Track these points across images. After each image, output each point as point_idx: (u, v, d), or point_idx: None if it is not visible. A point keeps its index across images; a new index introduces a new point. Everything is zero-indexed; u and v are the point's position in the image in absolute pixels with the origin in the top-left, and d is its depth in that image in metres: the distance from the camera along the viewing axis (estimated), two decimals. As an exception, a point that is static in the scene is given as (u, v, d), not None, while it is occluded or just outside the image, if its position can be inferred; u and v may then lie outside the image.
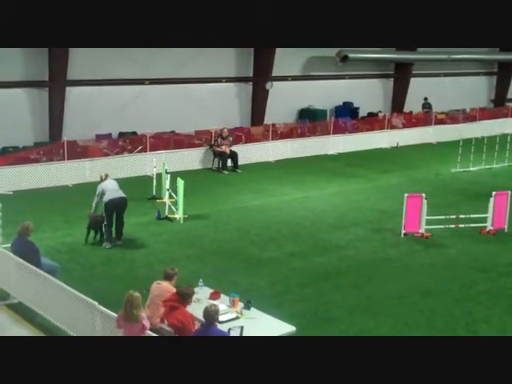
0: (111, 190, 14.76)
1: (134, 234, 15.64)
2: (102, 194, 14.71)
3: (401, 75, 32.87)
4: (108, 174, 15.37)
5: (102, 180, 15.09)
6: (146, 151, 22.23)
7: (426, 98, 32.54)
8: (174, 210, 17.14)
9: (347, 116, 29.78)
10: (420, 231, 16.11)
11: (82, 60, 22.57)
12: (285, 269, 13.88)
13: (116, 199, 14.72)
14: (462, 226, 16.56)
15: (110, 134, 23.93)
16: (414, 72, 33.00)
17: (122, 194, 14.91)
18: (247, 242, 15.50)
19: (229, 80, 27.20)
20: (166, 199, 17.52)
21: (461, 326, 11.44)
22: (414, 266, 14.32)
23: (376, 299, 12.51)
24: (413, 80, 33.02)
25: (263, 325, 9.53)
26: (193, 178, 20.25)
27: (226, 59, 26.52)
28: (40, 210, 17.24)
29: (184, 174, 18.64)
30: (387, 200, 19.37)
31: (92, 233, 15.03)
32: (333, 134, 26.98)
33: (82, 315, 9.98)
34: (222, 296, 10.41)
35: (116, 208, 14.81)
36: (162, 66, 24.75)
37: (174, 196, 17.34)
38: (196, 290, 10.12)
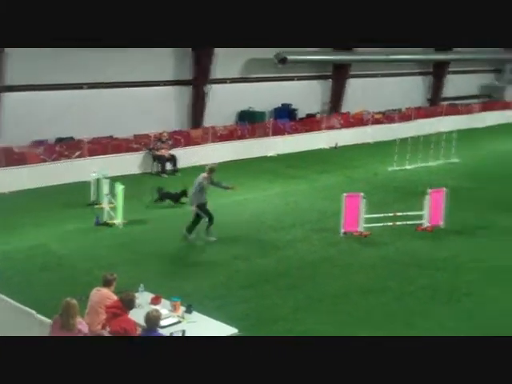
0: None
1: (72, 240, 15.45)
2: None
3: (338, 76, 33.21)
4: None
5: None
6: (84, 156, 21.95)
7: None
8: (113, 215, 16.98)
9: (286, 117, 29.97)
10: (359, 230, 16.34)
11: (19, 65, 22.11)
12: (226, 271, 13.90)
13: None
14: (400, 223, 16.85)
15: (47, 140, 23.54)
16: (351, 73, 33.38)
17: None
18: (188, 246, 15.47)
19: (167, 83, 27.04)
20: (105, 204, 17.35)
21: (399, 321, 11.66)
22: (353, 265, 14.52)
23: (318, 298, 12.65)
24: (350, 81, 33.41)
25: (205, 328, 9.54)
26: (132, 183, 20.06)
27: (164, 62, 26.35)
28: (-25, 219, 16.87)
29: (123, 179, 18.48)
30: (326, 200, 19.56)
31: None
32: (272, 135, 27.15)
33: (20, 325, 9.80)
34: (163, 301, 10.38)
35: None
36: (99, 71, 24.44)
37: (113, 201, 17.18)
38: (137, 295, 10.04)
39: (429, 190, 17.04)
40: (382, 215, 16.84)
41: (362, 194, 16.46)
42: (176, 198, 18.84)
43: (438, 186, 18.18)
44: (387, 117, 32.88)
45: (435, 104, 37.56)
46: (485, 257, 15.18)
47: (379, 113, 32.99)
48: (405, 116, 33.38)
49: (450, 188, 18.06)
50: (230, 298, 12.47)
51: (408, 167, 24.40)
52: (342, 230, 16.28)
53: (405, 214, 17.10)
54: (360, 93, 33.29)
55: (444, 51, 36.85)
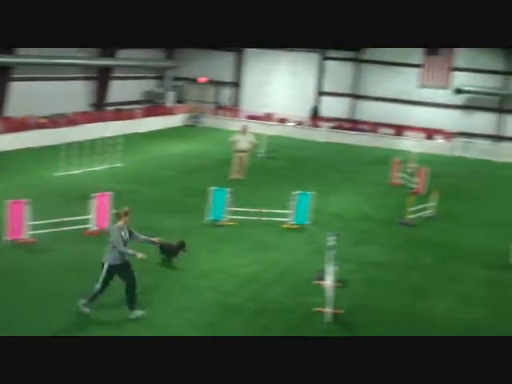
0: None
1: None
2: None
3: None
4: None
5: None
6: None
7: None
8: None
9: None
10: (24, 237, 16.26)
11: None
12: None
13: None
14: (67, 228, 17.05)
15: None
16: (14, 76, 32.53)
17: None
18: None
19: None
20: None
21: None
22: (23, 273, 14.46)
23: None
24: (15, 84, 32.53)
25: None
26: None
27: None
28: None
29: None
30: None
31: None
32: None
33: None
34: None
35: None
36: None
37: None
38: None
39: (94, 194, 17.53)
40: (48, 221, 16.91)
41: (26, 200, 16.39)
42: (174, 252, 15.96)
43: (103, 189, 18.71)
44: (53, 121, 32.72)
45: (100, 109, 38.25)
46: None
47: (44, 117, 32.68)
48: (71, 121, 33.53)
49: (115, 191, 18.73)
50: None
51: (74, 172, 24.66)
52: (7, 238, 16.07)
53: (70, 219, 17.33)
54: (25, 97, 32.61)
55: (108, 57, 37.77)
